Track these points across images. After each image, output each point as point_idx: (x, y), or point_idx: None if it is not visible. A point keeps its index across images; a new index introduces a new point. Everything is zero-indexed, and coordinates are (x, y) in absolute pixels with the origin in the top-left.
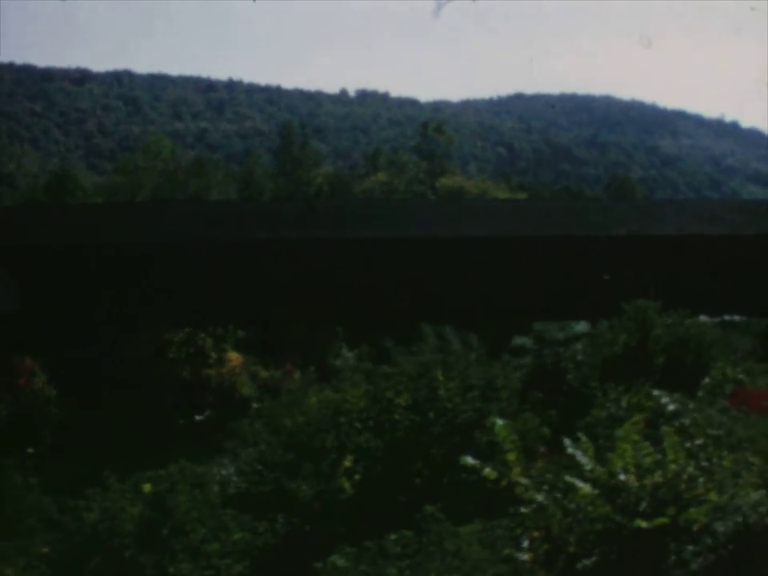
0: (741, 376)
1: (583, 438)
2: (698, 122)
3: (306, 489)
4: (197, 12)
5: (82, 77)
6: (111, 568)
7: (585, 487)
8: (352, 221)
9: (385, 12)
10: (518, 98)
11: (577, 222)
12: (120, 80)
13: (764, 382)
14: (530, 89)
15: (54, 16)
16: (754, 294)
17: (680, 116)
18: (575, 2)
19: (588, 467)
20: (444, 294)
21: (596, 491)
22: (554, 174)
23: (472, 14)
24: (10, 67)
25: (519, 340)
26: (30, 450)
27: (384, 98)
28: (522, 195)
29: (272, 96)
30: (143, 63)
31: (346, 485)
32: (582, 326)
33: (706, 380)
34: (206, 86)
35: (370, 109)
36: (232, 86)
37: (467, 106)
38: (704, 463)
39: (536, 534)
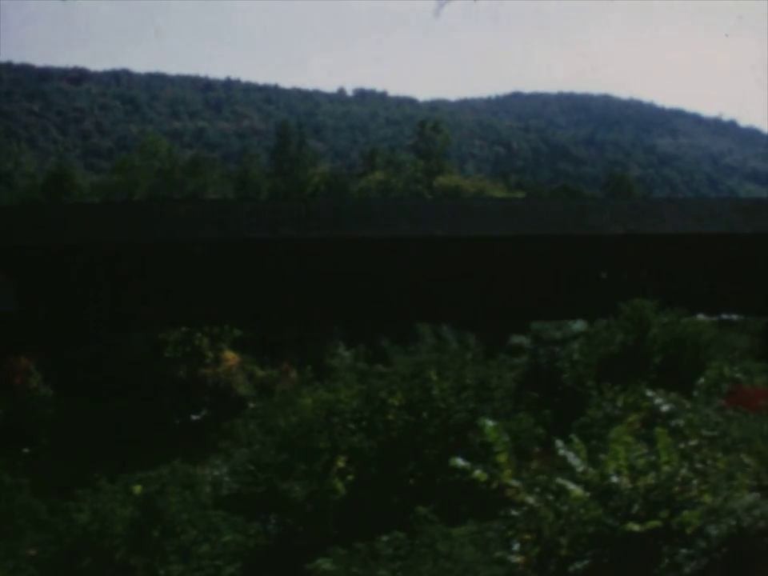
0: (738, 375)
1: (575, 440)
2: (696, 120)
3: (298, 489)
4: (195, 11)
5: (79, 76)
6: (101, 570)
7: (576, 489)
8: (348, 220)
9: (383, 11)
10: (516, 96)
11: (574, 221)
12: (118, 79)
13: (762, 381)
14: (527, 88)
15: (51, 15)
16: (752, 293)
17: (678, 115)
18: (573, 2)
19: (580, 469)
20: (441, 293)
21: (588, 494)
22: (552, 172)
23: (470, 14)
24: (8, 66)
25: (517, 339)
26: (26, 450)
27: (382, 97)
28: (519, 194)
29: (270, 95)
30: (141, 62)
31: (339, 485)
32: (579, 325)
33: (701, 380)
34: (203, 86)
35: (368, 108)
36: (230, 85)
37: (465, 104)
38: (698, 465)
39: (527, 536)
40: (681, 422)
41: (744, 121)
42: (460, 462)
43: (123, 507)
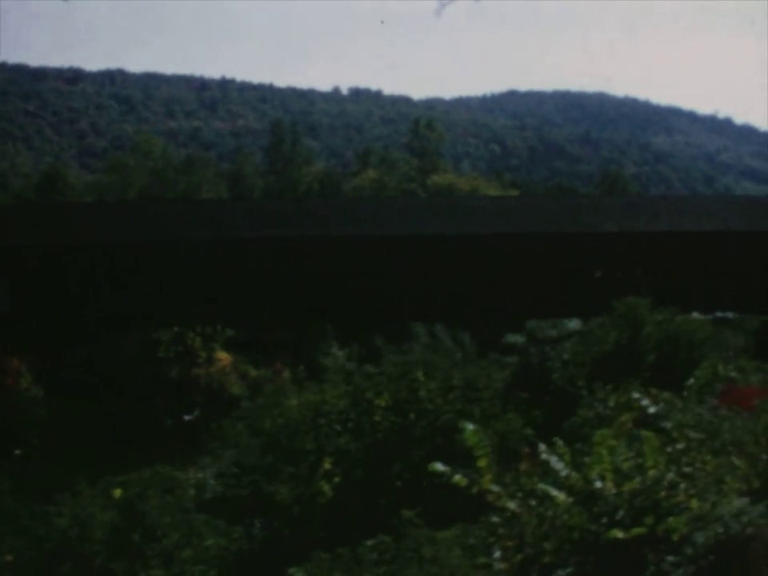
0: (733, 373)
1: (559, 443)
2: (692, 118)
3: (284, 492)
4: (190, 11)
5: (74, 76)
6: (81, 575)
7: (560, 495)
8: (341, 219)
9: (378, 11)
10: (511, 95)
11: (568, 219)
12: (113, 79)
13: (757, 379)
14: (523, 86)
15: (46, 15)
16: (748, 291)
17: (673, 112)
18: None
19: (563, 474)
20: (434, 291)
21: (571, 499)
22: (548, 171)
23: (465, 12)
24: (3, 67)
25: (511, 338)
26: (17, 452)
27: (377, 96)
28: (513, 192)
29: (265, 94)
30: (136, 62)
31: (326, 488)
32: (575, 324)
33: (691, 380)
34: (198, 85)
35: (363, 107)
36: (225, 84)
37: (460, 103)
38: (686, 468)
39: (509, 543)
40: (668, 424)
41: (739, 118)
42: (439, 466)
43: (104, 511)
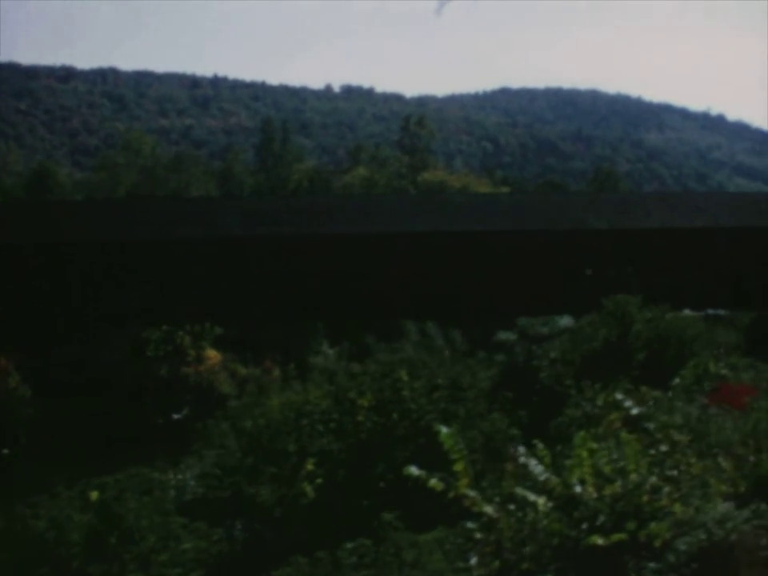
0: (724, 371)
1: (539, 445)
2: (684, 115)
3: (265, 494)
4: (181, 9)
5: (66, 74)
6: None
7: (539, 499)
8: (329, 217)
9: (370, 8)
10: (504, 92)
11: (559, 216)
12: (105, 77)
13: (748, 377)
14: (515, 83)
15: (38, 14)
16: (740, 288)
17: (666, 109)
18: None
19: (542, 478)
20: (424, 289)
21: (550, 504)
22: (540, 168)
23: (458, 10)
24: None
25: (503, 335)
26: (5, 451)
27: (369, 94)
28: (504, 189)
29: (257, 92)
30: (128, 60)
31: (308, 489)
32: (566, 321)
33: (676, 380)
34: (190, 83)
35: (355, 104)
36: (217, 82)
37: (452, 100)
38: (670, 472)
39: (486, 548)
40: (651, 426)
41: (732, 115)
42: (414, 470)
43: (81, 514)
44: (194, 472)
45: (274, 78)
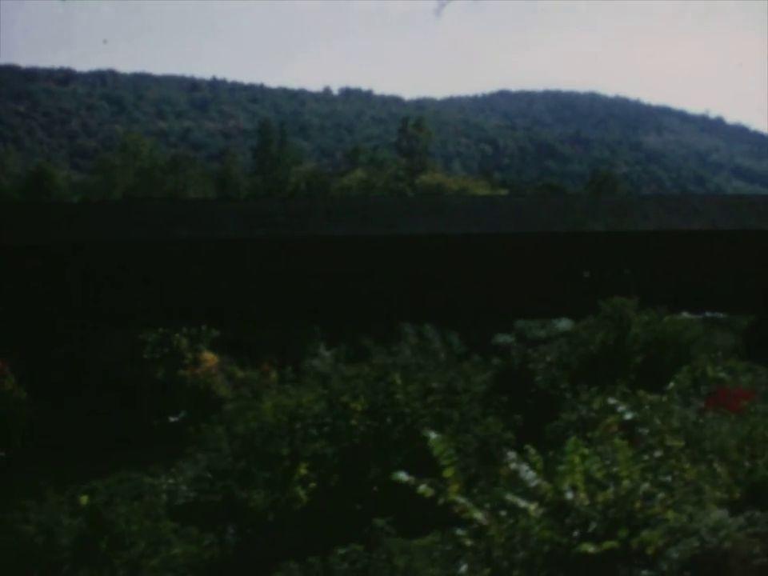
0: (722, 374)
1: (531, 450)
2: (683, 117)
3: (258, 498)
4: (180, 11)
5: (65, 77)
6: None
7: (529, 506)
8: (328, 219)
9: (369, 11)
10: (502, 95)
11: (556, 219)
12: (104, 79)
13: (746, 380)
14: (514, 86)
15: (37, 16)
16: (738, 290)
17: (664, 112)
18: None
19: (532, 484)
20: (423, 292)
21: (541, 510)
22: (539, 170)
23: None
24: None
25: (501, 338)
26: (1, 454)
27: (368, 96)
28: (502, 192)
29: (255, 94)
30: (127, 63)
31: (301, 493)
32: (564, 324)
33: (671, 384)
34: (189, 85)
35: (354, 106)
36: (215, 84)
37: (451, 103)
38: (663, 478)
39: (477, 556)
40: (645, 431)
41: (731, 117)
42: (403, 476)
43: (71, 518)
44: (188, 476)
45: (272, 81)
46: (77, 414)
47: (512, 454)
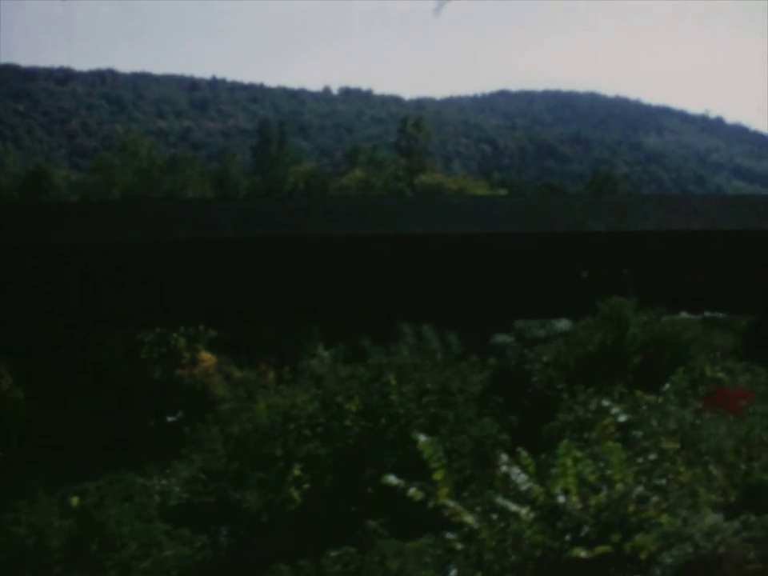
0: (720, 375)
1: (523, 453)
2: (683, 117)
3: (251, 499)
4: (180, 10)
5: (65, 76)
6: None
7: (521, 510)
8: (326, 219)
9: (369, 10)
10: (502, 95)
11: (556, 219)
12: (103, 79)
13: (745, 381)
14: (514, 86)
15: (37, 16)
16: (738, 290)
17: (665, 112)
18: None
19: (524, 487)
20: (422, 291)
21: (533, 514)
22: (539, 170)
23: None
24: None
25: (499, 338)
26: None
27: (367, 96)
28: (502, 192)
29: (255, 94)
30: (126, 62)
31: (295, 494)
32: (563, 324)
33: (667, 385)
34: (189, 85)
35: (354, 106)
36: (215, 84)
37: (451, 103)
38: (658, 481)
39: (467, 560)
40: (640, 433)
41: (731, 118)
42: (393, 479)
43: (62, 520)
44: (182, 477)
45: (272, 80)
46: (74, 414)
47: (504, 457)
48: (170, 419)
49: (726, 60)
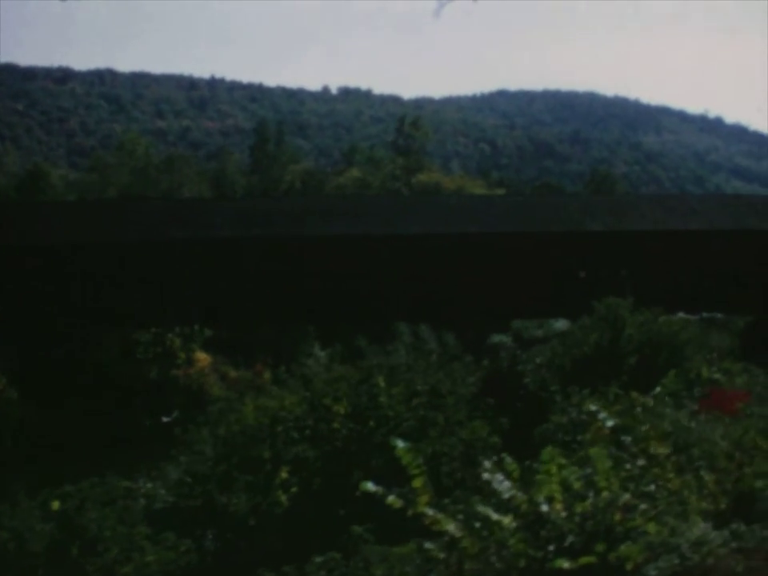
0: (717, 375)
1: (508, 459)
2: (682, 117)
3: (239, 502)
4: (179, 10)
5: (64, 75)
6: None
7: (504, 518)
8: (323, 218)
9: (367, 10)
10: (501, 94)
11: (554, 218)
12: (102, 78)
13: (742, 381)
14: (513, 85)
15: (36, 15)
16: (735, 291)
17: (663, 112)
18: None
19: (506, 495)
20: (419, 291)
21: (515, 523)
22: (537, 170)
23: (456, 12)
24: None
25: (497, 338)
26: None
27: (366, 95)
28: (499, 191)
29: (254, 94)
30: (125, 61)
31: (282, 498)
32: (561, 324)
33: (657, 389)
34: (188, 84)
35: (353, 106)
36: (214, 83)
37: (450, 102)
38: (645, 488)
39: (448, 569)
40: (628, 439)
41: (730, 117)
42: (371, 486)
43: (43, 523)
44: (171, 479)
45: (271, 80)
46: (69, 414)
47: (487, 463)
48: (165, 419)
49: (725, 60)
